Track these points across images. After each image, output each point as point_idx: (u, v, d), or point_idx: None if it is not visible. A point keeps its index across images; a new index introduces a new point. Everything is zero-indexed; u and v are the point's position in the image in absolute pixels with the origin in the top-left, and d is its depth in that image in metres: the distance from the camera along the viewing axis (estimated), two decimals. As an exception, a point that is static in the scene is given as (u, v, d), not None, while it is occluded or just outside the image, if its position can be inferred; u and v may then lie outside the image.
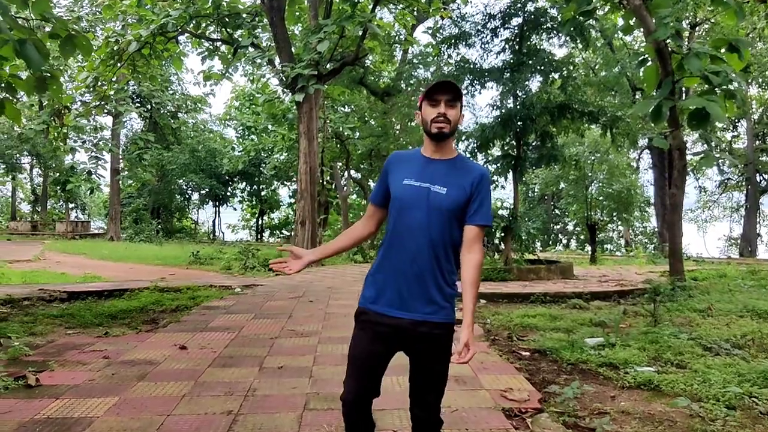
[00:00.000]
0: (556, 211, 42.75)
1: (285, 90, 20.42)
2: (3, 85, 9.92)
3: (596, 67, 28.85)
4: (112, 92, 23.12)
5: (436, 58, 22.21)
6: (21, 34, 8.94)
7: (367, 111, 29.83)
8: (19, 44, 8.67)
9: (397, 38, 25.17)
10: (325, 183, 30.52)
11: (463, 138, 15.30)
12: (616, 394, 4.98)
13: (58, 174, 38.56)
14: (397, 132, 23.83)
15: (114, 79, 21.77)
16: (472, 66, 15.13)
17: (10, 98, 10.58)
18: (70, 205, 46.81)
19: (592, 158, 26.38)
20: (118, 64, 20.29)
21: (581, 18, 11.60)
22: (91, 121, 35.23)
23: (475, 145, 14.96)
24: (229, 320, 8.04)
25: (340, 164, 33.55)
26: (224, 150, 41.88)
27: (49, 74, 10.32)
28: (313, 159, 18.84)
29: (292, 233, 23.52)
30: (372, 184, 37.42)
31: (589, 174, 25.85)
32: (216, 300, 9.93)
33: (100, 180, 37.31)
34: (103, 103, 23.96)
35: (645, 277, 14.47)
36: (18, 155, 40.77)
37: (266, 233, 46.59)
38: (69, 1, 35.49)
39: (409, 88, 22.85)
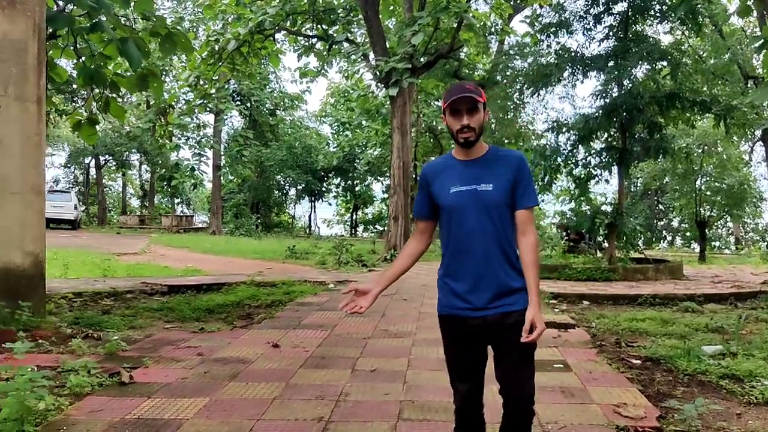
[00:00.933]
0: (660, 207, 40.77)
1: (378, 84, 20.29)
2: (107, 83, 10.26)
3: (704, 55, 27.15)
4: (213, 91, 23.72)
5: (533, 48, 21.47)
6: (123, 33, 9.17)
7: (461, 105, 29.28)
8: (120, 42, 8.87)
9: (493, 29, 24.57)
10: (418, 178, 30.27)
11: (564, 130, 14.65)
12: (742, 411, 4.46)
13: (164, 170, 40.20)
14: (492, 125, 23.25)
15: (215, 78, 22.34)
16: (573, 54, 14.45)
17: (114, 96, 10.91)
18: (176, 200, 48.78)
19: (699, 150, 24.87)
20: (219, 63, 20.75)
21: (695, 1, 10.80)
22: (194, 119, 36.49)
23: (576, 137, 14.28)
24: (322, 317, 7.92)
25: (434, 159, 33.18)
26: (319, 146, 42.42)
27: (149, 72, 10.61)
28: (406, 154, 18.65)
29: (386, 228, 23.43)
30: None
31: (695, 168, 24.35)
32: (310, 296, 9.87)
33: (203, 176, 38.59)
34: (205, 101, 24.67)
35: (763, 278, 13.42)
36: (127, 152, 42.73)
37: (360, 228, 46.92)
38: (173, 2, 36.90)
39: (504, 80, 22.21)
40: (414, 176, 22.56)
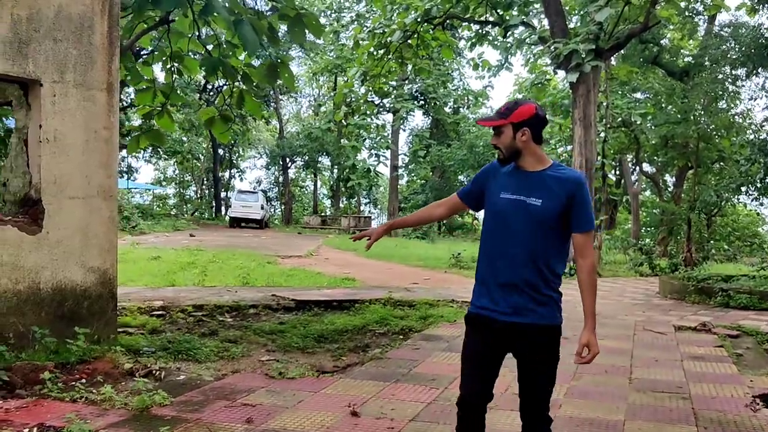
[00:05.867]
0: None
1: (556, 71, 17.91)
2: (238, 75, 9.28)
3: None
4: (392, 88, 22.64)
5: (752, 28, 17.74)
6: (245, 15, 8.07)
7: (663, 95, 25.75)
8: (234, 25, 7.71)
9: (701, 4, 20.99)
10: (606, 178, 27.09)
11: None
12: None
13: (347, 170, 40.27)
14: (699, 115, 19.75)
15: (388, 73, 21.19)
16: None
17: (249, 91, 9.95)
18: (364, 201, 49.11)
19: None
20: (386, 57, 19.58)
21: None
22: (373, 120, 36.03)
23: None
24: (442, 363, 6.07)
25: (630, 156, 29.84)
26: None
27: (279, 60, 9.50)
28: (589, 150, 16.10)
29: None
30: (668, 178, 33.11)
31: None
32: (445, 325, 8.04)
33: (380, 177, 38.10)
34: (381, 100, 23.70)
35: None
36: (311, 153, 43.28)
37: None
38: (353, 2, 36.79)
39: (712, 63, 18.68)
40: (603, 175, 19.72)
